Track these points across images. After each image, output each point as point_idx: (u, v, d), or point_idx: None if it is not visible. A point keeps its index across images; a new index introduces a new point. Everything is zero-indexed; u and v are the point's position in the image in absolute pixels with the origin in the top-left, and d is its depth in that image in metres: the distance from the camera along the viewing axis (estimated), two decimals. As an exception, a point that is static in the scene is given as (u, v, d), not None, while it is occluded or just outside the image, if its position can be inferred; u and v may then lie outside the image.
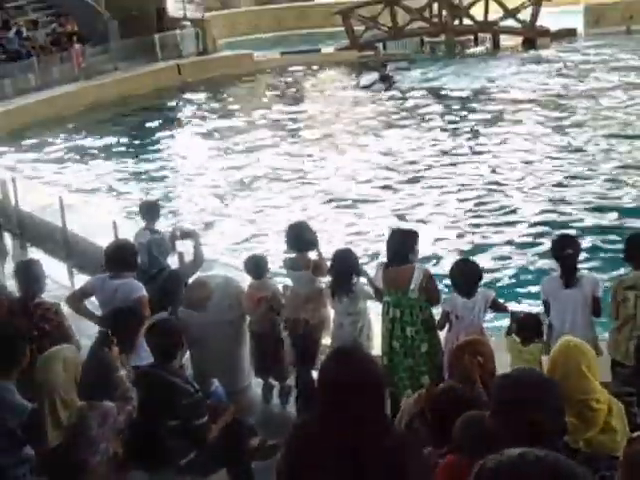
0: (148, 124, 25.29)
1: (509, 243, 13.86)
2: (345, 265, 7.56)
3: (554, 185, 16.57)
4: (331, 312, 7.87)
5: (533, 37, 32.47)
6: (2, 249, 8.94)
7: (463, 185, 16.88)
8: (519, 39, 33.02)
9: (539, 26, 32.52)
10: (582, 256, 7.66)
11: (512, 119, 22.40)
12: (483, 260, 12.10)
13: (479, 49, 33.41)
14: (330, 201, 16.59)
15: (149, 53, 31.45)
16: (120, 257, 7.45)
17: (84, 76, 29.08)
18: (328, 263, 7.73)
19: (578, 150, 18.82)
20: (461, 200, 16.01)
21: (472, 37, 33.85)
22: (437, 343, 7.27)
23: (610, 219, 14.46)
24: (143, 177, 19.69)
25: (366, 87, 27.68)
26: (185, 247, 9.28)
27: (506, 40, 33.11)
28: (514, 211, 15.29)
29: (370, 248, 13.14)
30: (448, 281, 7.39)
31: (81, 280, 10.00)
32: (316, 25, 37.24)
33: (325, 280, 7.86)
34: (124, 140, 23.55)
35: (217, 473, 6.11)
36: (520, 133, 20.72)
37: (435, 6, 33.40)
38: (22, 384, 5.63)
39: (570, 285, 6.89)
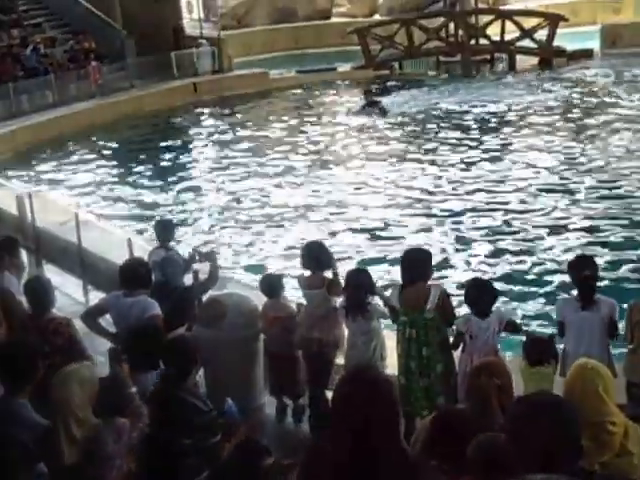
0: (164, 142, 25.34)
1: (525, 264, 13.80)
2: (359, 284, 7.54)
3: (570, 204, 16.50)
4: (345, 331, 7.85)
5: (549, 57, 32.42)
6: (19, 265, 8.95)
7: (478, 207, 16.80)
8: (535, 59, 33.00)
9: (556, 46, 32.46)
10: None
11: (528, 143, 22.01)
12: (498, 281, 12.06)
13: (495, 69, 33.39)
14: (346, 222, 16.53)
15: (165, 71, 31.58)
16: (135, 275, 7.50)
17: (101, 93, 29.27)
18: (342, 282, 7.73)
19: (598, 171, 18.70)
20: (476, 224, 15.89)
21: (488, 57, 33.84)
22: (452, 363, 7.26)
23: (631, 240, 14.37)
24: (158, 194, 19.73)
25: (358, 114, 27.52)
26: (200, 265, 9.27)
27: (523, 61, 33.07)
28: (530, 234, 15.20)
29: (386, 270, 13.10)
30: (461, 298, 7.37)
31: (96, 297, 10.03)
32: (332, 44, 37.31)
33: (339, 299, 7.85)
34: (140, 157, 23.61)
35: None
36: (535, 157, 20.38)
37: (451, 26, 33.44)
38: (36, 400, 5.63)
39: (587, 307, 6.86)
